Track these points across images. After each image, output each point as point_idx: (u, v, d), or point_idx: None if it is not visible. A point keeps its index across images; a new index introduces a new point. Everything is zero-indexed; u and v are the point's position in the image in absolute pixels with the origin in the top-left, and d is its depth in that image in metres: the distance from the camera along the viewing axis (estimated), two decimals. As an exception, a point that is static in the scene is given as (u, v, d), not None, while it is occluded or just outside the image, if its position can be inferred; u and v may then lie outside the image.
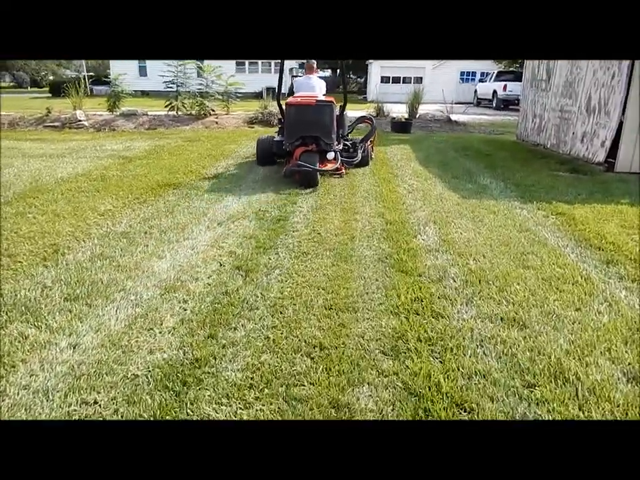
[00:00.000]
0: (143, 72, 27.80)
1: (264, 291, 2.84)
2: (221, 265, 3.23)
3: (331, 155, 5.93)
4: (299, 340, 2.31)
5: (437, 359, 2.19)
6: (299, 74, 7.35)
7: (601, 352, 2.24)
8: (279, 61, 6.57)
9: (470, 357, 2.19)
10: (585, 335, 2.37)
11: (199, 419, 1.84)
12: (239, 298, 2.74)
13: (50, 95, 25.94)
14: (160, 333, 2.37)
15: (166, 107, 11.97)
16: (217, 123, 11.31)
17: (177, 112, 11.99)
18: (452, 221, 4.29)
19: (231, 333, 2.37)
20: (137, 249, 3.45)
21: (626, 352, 2.24)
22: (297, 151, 5.80)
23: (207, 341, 2.29)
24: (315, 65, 6.84)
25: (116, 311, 2.58)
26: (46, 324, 2.41)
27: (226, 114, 12.22)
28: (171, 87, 11.96)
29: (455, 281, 3.02)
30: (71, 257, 3.30)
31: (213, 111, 11.97)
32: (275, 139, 6.54)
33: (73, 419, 1.84)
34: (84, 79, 26.87)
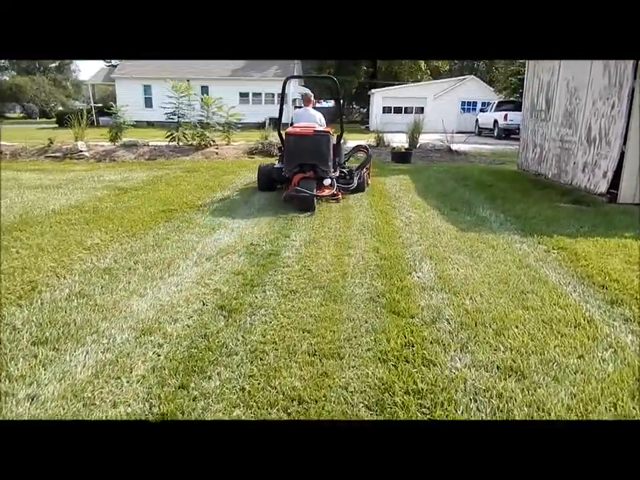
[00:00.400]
0: (148, 103, 28.26)
1: (246, 334, 2.68)
2: (203, 304, 3.08)
3: (327, 182, 6.22)
4: (277, 392, 2.13)
5: (425, 414, 2.00)
6: (301, 105, 7.68)
7: (606, 407, 2.05)
8: (280, 92, 6.99)
9: (462, 412, 2.00)
10: (589, 388, 2.18)
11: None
12: (218, 342, 2.58)
13: (57, 125, 26.36)
14: (128, 382, 2.20)
15: (167, 137, 12.03)
16: (217, 153, 11.33)
17: (177, 143, 12.04)
18: (449, 256, 4.14)
19: (204, 383, 2.20)
20: (118, 287, 3.31)
21: (633, 408, 2.04)
22: (295, 178, 6.09)
23: (176, 392, 2.12)
24: (312, 98, 7.43)
25: (85, 356, 2.42)
26: (7, 372, 2.25)
27: (226, 144, 12.27)
28: (172, 118, 12.04)
29: (449, 323, 2.84)
30: (48, 295, 3.16)
31: (214, 141, 12.02)
32: (275, 166, 6.83)
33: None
34: (92, 109, 27.40)
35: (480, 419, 1.88)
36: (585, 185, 7.20)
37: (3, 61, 59.92)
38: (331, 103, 43.36)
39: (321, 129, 6.66)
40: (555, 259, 4.14)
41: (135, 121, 13.58)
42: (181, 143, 12.06)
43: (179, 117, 11.97)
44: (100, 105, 33.89)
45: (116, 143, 12.25)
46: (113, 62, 32.58)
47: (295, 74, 29.14)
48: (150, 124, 25.11)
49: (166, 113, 12.16)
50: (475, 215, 5.70)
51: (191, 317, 2.89)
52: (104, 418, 1.94)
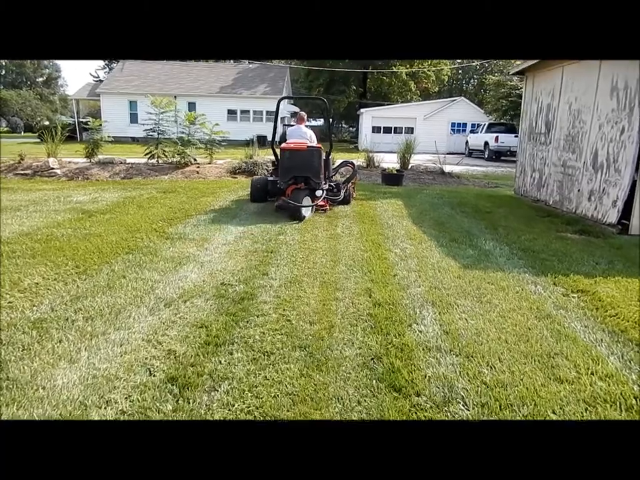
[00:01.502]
0: (134, 119, 27.60)
1: (199, 424, 2.01)
2: (150, 373, 2.41)
3: (318, 193, 6.71)
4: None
5: None
6: (292, 123, 8.75)
7: None
8: (273, 110, 7.97)
9: None
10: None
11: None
12: (159, 438, 1.91)
13: (39, 140, 25.53)
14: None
15: (145, 155, 11.38)
16: (198, 172, 10.69)
17: (157, 160, 11.39)
18: (454, 301, 3.52)
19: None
20: (45, 348, 2.62)
21: None
22: (288, 189, 6.64)
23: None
24: (305, 117, 7.83)
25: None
26: None
27: (209, 163, 11.64)
28: (151, 135, 11.41)
29: (465, 405, 2.20)
30: (-49, 360, 2.47)
31: (195, 160, 11.39)
32: (269, 179, 7.41)
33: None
34: (78, 124, 26.59)
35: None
36: (591, 214, 6.68)
37: (-13, 74, 59.36)
38: (320, 122, 43.20)
39: (313, 144, 7.05)
40: (577, 305, 3.55)
41: (119, 137, 12.94)
42: (160, 161, 11.42)
43: (158, 134, 11.34)
44: (86, 120, 33.24)
45: (92, 160, 11.57)
46: (101, 77, 31.99)
47: (285, 93, 28.85)
48: (134, 140, 24.46)
49: (145, 130, 11.52)
50: (478, 248, 5.11)
51: (130, 396, 2.21)
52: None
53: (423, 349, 2.75)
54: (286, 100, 28.96)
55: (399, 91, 36.33)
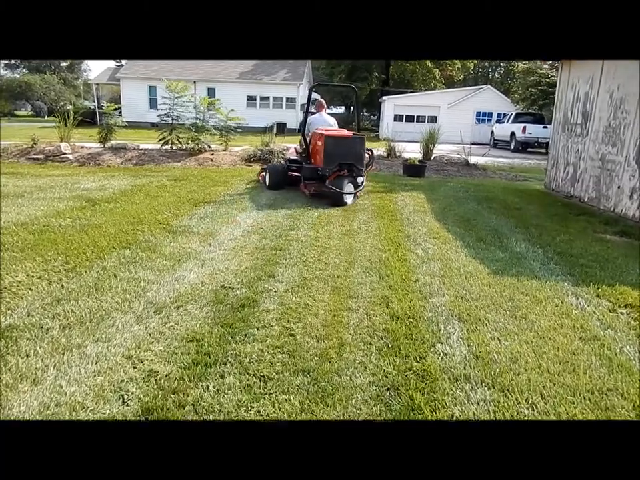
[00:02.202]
0: (153, 104, 27.38)
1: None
2: (123, 401, 2.04)
3: (360, 180, 6.79)
4: None
5: None
6: (312, 110, 7.87)
7: None
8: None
9: None
10: None
11: None
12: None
13: (63, 125, 25.48)
14: None
15: (159, 141, 11.06)
16: (211, 159, 10.32)
17: (170, 146, 11.06)
18: (484, 316, 3.07)
19: None
20: (9, 364, 2.27)
21: None
22: (331, 176, 6.61)
23: None
24: (324, 104, 7.84)
25: None
26: None
27: (223, 150, 11.27)
28: (165, 120, 11.06)
29: (502, 460, 1.78)
30: None
31: (209, 146, 11.02)
32: (305, 166, 7.11)
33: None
34: (98, 109, 26.49)
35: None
36: (632, 213, 6.10)
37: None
38: (342, 109, 42.50)
39: (357, 133, 7.11)
40: (627, 324, 3.07)
41: (138, 123, 12.65)
42: (174, 147, 11.09)
43: (172, 119, 10.98)
44: (111, 104, 33.23)
45: (105, 145, 11.31)
46: (123, 61, 31.80)
47: (306, 80, 28.26)
48: (154, 125, 24.20)
49: (159, 115, 11.19)
50: (508, 250, 4.62)
51: (93, 433, 1.84)
52: None
53: (449, 378, 2.32)
54: (305, 86, 28.45)
55: (423, 79, 35.37)
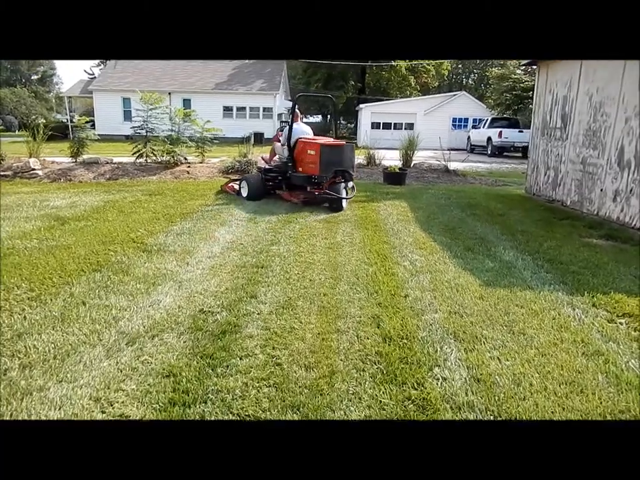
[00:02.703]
0: (127, 116, 26.87)
1: None
2: None
3: (350, 184, 7.25)
4: None
5: None
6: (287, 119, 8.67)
7: None
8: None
9: None
10: None
11: None
12: None
13: (32, 139, 24.81)
14: None
15: (133, 154, 10.73)
16: (188, 172, 10.04)
17: (145, 159, 10.75)
18: (480, 333, 2.91)
19: None
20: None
21: None
22: (327, 183, 6.95)
23: None
24: (299, 113, 7.80)
25: None
26: None
27: (200, 162, 11.00)
28: (139, 133, 10.75)
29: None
30: None
31: (185, 159, 10.75)
32: (294, 174, 7.22)
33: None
34: (71, 122, 25.81)
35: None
36: (617, 216, 6.06)
37: (-19, 73, 58.71)
38: (318, 118, 42.58)
39: (349, 141, 7.65)
40: (628, 335, 2.94)
41: (112, 135, 12.29)
42: (149, 160, 10.78)
43: (147, 131, 10.68)
44: (91, 118, 32.48)
45: (77, 160, 10.93)
46: (96, 74, 31.15)
47: (283, 89, 28.16)
48: (128, 137, 23.66)
49: (133, 127, 10.88)
50: (497, 259, 4.49)
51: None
52: None
53: (451, 408, 2.13)
54: (281, 95, 28.35)
55: (398, 86, 35.62)
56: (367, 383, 2.33)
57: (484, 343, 2.77)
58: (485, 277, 3.96)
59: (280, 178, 7.48)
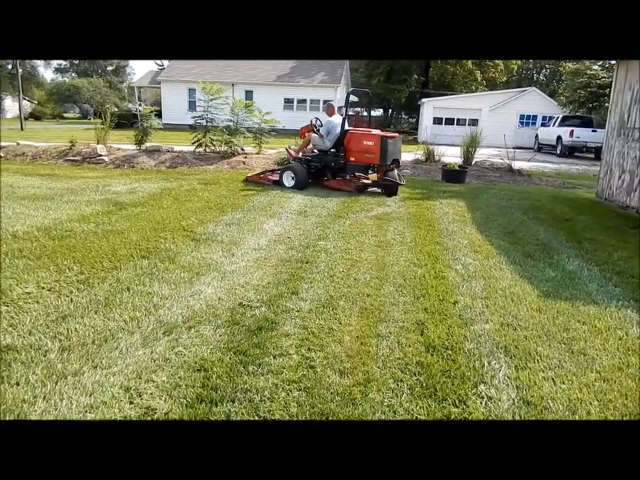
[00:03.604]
0: (192, 106, 27.72)
1: None
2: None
3: (398, 171, 7.97)
4: None
5: None
6: (350, 112, 9.76)
7: None
8: (330, 99, 9.30)
9: None
10: None
11: None
12: None
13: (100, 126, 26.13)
14: None
15: (193, 143, 10.99)
16: (244, 163, 10.15)
17: (204, 149, 10.97)
18: (535, 349, 2.66)
19: None
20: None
21: None
22: (384, 170, 7.70)
23: None
24: (335, 108, 8.60)
25: None
26: None
27: (257, 153, 11.09)
28: (200, 123, 10.98)
29: None
30: None
31: (242, 149, 10.87)
32: (351, 163, 7.82)
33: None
34: (138, 111, 27.01)
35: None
36: (701, 227, 5.47)
37: (64, 62, 62.65)
38: (379, 112, 41.99)
39: (399, 134, 8.40)
40: None
41: (177, 125, 12.66)
42: (207, 150, 10.99)
43: (207, 121, 10.89)
44: (146, 107, 33.89)
45: (141, 148, 11.34)
46: (165, 64, 32.33)
47: (344, 82, 27.97)
48: (192, 127, 24.44)
49: (194, 117, 11.13)
50: (559, 268, 4.15)
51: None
52: None
53: (495, 432, 1.94)
54: (342, 88, 28.16)
55: (464, 81, 34.45)
56: (403, 395, 2.17)
57: (538, 361, 2.53)
58: (544, 287, 3.66)
59: (322, 167, 8.07)
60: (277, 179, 8.04)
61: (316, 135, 8.18)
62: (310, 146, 8.50)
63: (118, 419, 1.92)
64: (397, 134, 8.25)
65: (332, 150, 7.96)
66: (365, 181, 8.12)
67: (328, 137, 8.03)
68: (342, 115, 8.10)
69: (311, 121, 8.30)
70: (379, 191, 7.86)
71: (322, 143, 8.10)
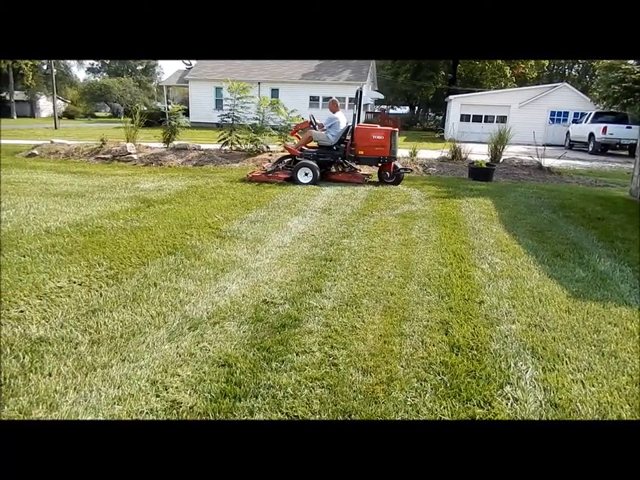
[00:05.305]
0: (219, 105, 28.03)
1: None
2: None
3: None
4: None
5: None
6: (373, 110, 9.52)
7: None
8: (353, 96, 9.34)
9: None
10: None
11: None
12: None
13: (129, 125, 26.70)
14: None
15: (219, 141, 11.12)
16: (269, 160, 10.20)
17: (230, 147, 11.09)
18: (563, 350, 2.60)
19: None
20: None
21: None
22: (391, 162, 8.41)
23: None
24: (338, 104, 8.90)
25: None
26: None
27: (282, 151, 11.12)
28: (226, 121, 11.10)
29: None
30: None
31: (267, 147, 10.94)
32: (364, 156, 8.35)
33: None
34: (166, 110, 27.50)
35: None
36: None
37: (96, 63, 64.21)
38: (406, 109, 41.64)
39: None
40: None
41: (204, 123, 12.85)
42: (233, 148, 11.10)
43: (233, 120, 11.00)
44: (174, 106, 34.43)
45: (169, 146, 11.54)
46: (193, 63, 32.80)
47: (370, 80, 27.83)
48: (219, 125, 24.72)
49: (220, 115, 11.25)
50: (590, 268, 4.04)
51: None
52: None
53: (520, 434, 1.91)
54: (368, 86, 28.00)
55: (492, 77, 33.84)
56: (427, 395, 2.15)
57: (566, 363, 2.47)
58: (574, 287, 3.57)
59: (330, 161, 8.54)
60: (287, 176, 8.13)
61: (315, 131, 8.50)
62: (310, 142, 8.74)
63: (131, 417, 1.96)
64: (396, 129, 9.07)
65: (341, 145, 8.38)
66: (365, 172, 8.89)
67: (331, 132, 8.35)
68: (353, 112, 8.56)
69: (309, 118, 8.71)
70: (377, 180, 8.60)
71: (326, 139, 8.40)
